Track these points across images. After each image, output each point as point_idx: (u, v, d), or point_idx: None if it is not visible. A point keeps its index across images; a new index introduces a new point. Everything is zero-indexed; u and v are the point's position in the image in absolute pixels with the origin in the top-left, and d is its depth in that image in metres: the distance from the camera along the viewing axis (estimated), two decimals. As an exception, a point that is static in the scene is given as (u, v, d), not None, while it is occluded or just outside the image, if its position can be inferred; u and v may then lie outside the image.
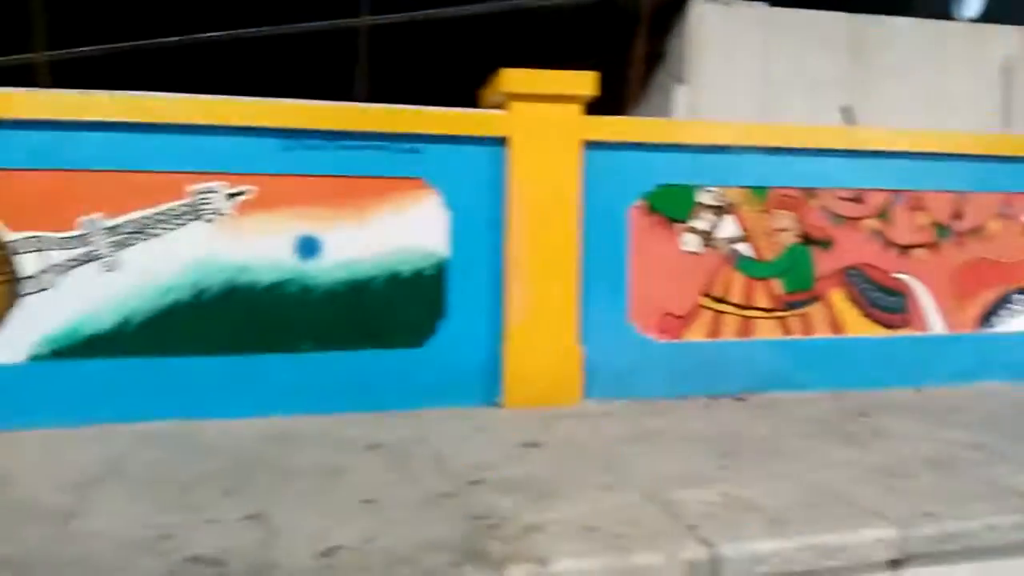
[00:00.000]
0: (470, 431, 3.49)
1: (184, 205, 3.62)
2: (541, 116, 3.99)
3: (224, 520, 2.37)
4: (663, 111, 6.19)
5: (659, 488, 2.70)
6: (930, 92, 6.75)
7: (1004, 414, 3.88)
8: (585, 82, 4.00)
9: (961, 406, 4.07)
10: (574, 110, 4.06)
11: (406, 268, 3.90)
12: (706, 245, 4.34)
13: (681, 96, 5.97)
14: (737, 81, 6.17)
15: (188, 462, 2.96)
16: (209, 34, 5.46)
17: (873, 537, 2.33)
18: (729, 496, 2.62)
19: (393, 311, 3.88)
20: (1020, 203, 4.78)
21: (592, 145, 4.12)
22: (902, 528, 2.38)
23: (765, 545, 2.22)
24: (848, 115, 5.05)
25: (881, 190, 4.57)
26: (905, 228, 4.61)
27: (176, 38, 5.51)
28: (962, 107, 6.77)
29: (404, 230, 3.89)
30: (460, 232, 3.96)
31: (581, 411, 3.97)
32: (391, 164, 3.83)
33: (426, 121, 3.84)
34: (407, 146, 3.82)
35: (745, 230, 4.39)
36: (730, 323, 4.38)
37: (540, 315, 4.03)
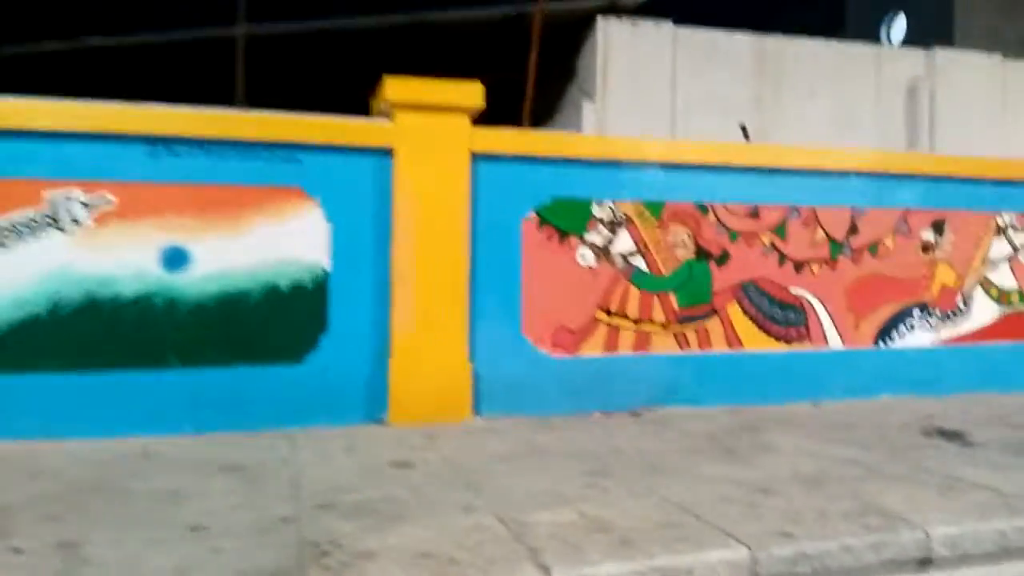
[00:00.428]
0: (341, 451, 3.34)
1: (40, 214, 3.42)
2: (427, 126, 3.89)
3: (30, 549, 2.18)
4: (576, 126, 6.17)
5: (517, 509, 2.59)
6: (838, 111, 6.88)
7: (892, 429, 3.88)
8: (472, 93, 3.92)
9: (854, 421, 4.07)
10: (462, 121, 3.97)
11: (284, 281, 3.75)
12: (602, 259, 4.29)
13: (589, 112, 5.95)
14: (645, 98, 6.18)
15: (17, 485, 2.75)
16: (86, 40, 5.25)
17: (721, 559, 2.25)
18: (586, 516, 2.52)
19: (269, 325, 3.72)
20: (916, 220, 4.84)
21: (482, 157, 4.04)
22: (754, 549, 2.31)
23: (603, 569, 2.12)
24: (744, 131, 5.08)
25: (777, 205, 4.58)
26: (801, 244, 4.63)
27: (53, 43, 5.29)
28: (869, 126, 6.91)
29: (282, 241, 3.74)
30: (342, 244, 3.82)
31: (468, 428, 3.86)
32: (267, 173, 3.69)
33: (304, 129, 3.71)
34: (284, 155, 3.68)
35: (641, 244, 4.35)
36: (626, 337, 4.32)
37: (427, 330, 3.91)
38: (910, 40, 7.83)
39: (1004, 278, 5.05)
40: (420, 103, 3.86)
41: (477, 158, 4.02)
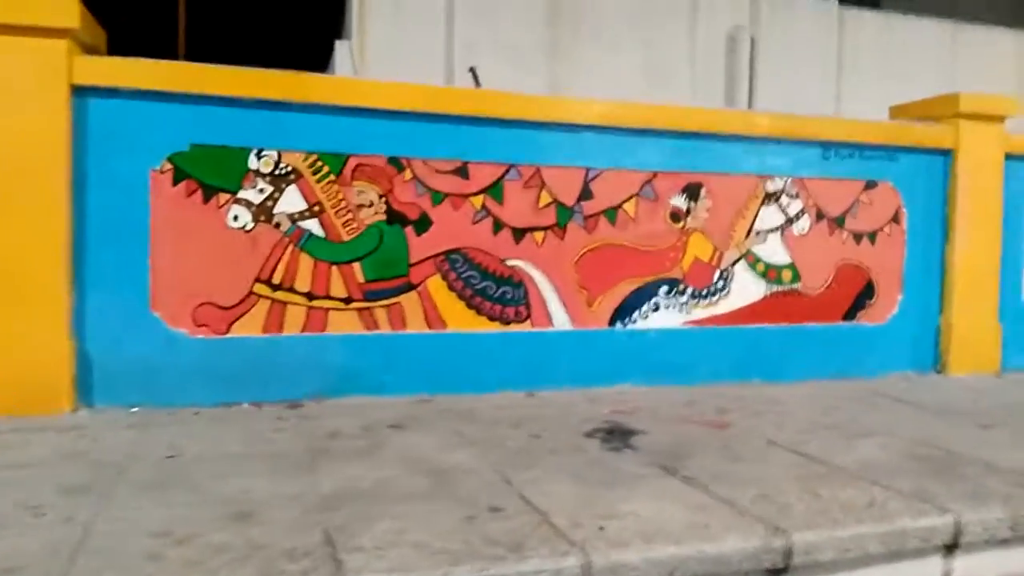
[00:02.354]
0: None
1: None
2: (9, 51, 3.15)
3: None
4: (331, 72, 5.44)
5: None
6: (650, 63, 6.23)
7: (562, 426, 3.28)
8: (66, 9, 3.18)
9: (539, 415, 3.48)
10: (59, 46, 3.23)
11: None
12: (261, 221, 3.60)
13: (343, 55, 5.23)
14: (414, 40, 5.46)
15: None
16: None
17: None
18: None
19: None
20: (665, 183, 4.24)
21: (91, 92, 3.31)
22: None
23: None
24: (475, 76, 4.41)
25: (492, 163, 3.93)
26: (522, 208, 4.00)
27: None
28: (685, 80, 6.29)
29: None
30: None
31: (58, 424, 3.17)
32: None
33: None
34: None
35: (314, 204, 3.67)
36: (296, 315, 3.66)
37: (10, 303, 3.20)
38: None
39: (773, 252, 4.49)
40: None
41: (83, 93, 3.29)
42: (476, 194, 3.91)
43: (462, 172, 3.88)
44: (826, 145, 4.53)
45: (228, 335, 3.57)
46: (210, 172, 3.51)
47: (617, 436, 3.10)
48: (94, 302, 3.36)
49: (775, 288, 4.50)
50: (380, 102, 3.71)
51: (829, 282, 4.61)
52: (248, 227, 3.58)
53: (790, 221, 4.52)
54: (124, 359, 3.41)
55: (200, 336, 3.52)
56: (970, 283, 4.82)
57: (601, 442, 3.01)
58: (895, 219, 4.73)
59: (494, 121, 3.90)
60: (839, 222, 4.61)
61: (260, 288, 3.60)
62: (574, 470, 2.65)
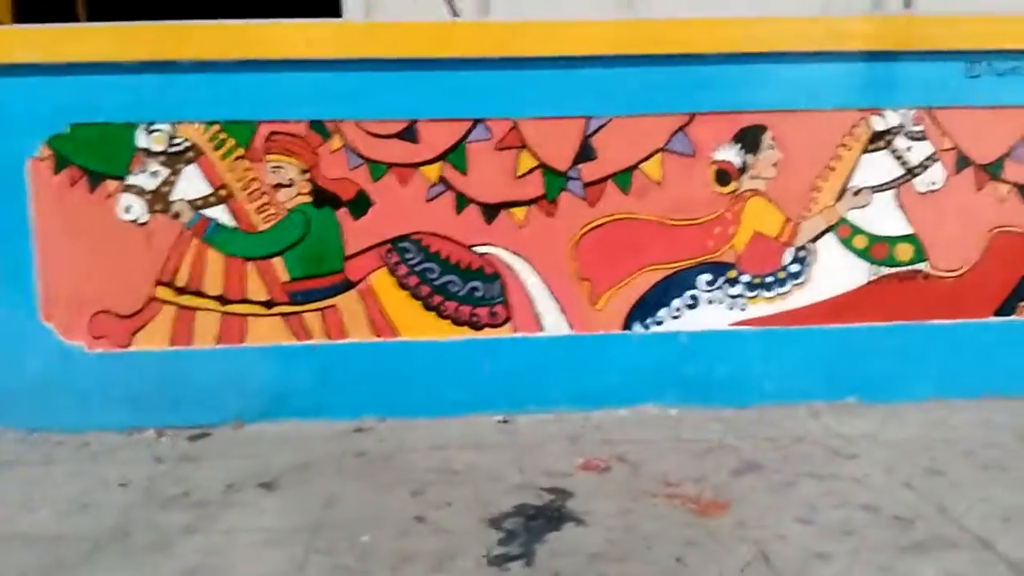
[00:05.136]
0: None
1: None
2: None
3: None
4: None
5: None
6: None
7: (474, 496, 2.38)
8: None
9: (474, 467, 2.58)
10: None
11: None
12: (157, 211, 2.96)
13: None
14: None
15: None
16: None
17: None
18: None
19: None
20: (708, 129, 3.02)
21: (-59, 70, 2.80)
22: None
23: None
24: (451, 5, 3.30)
25: (451, 120, 2.97)
26: (495, 177, 3.00)
27: None
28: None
29: None
30: None
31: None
32: None
33: None
34: None
35: (219, 187, 2.96)
36: (207, 324, 3.01)
37: None
38: None
39: (883, 219, 3.11)
40: None
41: (-68, 73, 2.80)
42: (430, 162, 2.98)
43: (409, 134, 2.95)
44: (973, 55, 3.02)
45: (130, 348, 3.01)
46: (94, 156, 2.91)
47: (534, 528, 2.13)
48: (-26, 314, 2.94)
49: (885, 271, 3.14)
50: (294, 51, 2.87)
51: (976, 260, 3.15)
52: (142, 219, 2.95)
53: (911, 173, 3.09)
54: (16, 377, 2.98)
55: (99, 350, 3.00)
56: None
57: (500, 541, 2.07)
58: (1095, 162, 3.12)
59: (450, 62, 2.91)
60: (993, 171, 3.10)
61: (163, 292, 2.99)
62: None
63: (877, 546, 2.01)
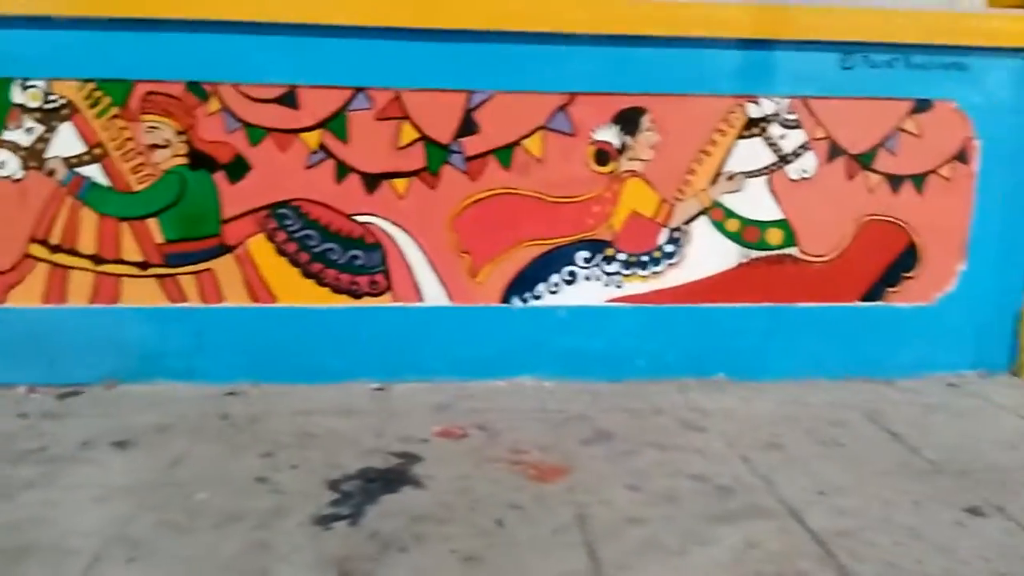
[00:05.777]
0: None
1: None
2: None
3: None
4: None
5: None
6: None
7: (327, 457, 2.43)
8: None
9: (333, 431, 2.64)
10: None
11: None
12: (32, 168, 2.92)
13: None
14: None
15: None
16: None
17: None
18: None
19: None
20: (588, 109, 3.08)
21: None
22: None
23: None
24: None
25: (331, 88, 2.98)
26: (376, 147, 3.03)
27: None
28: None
29: None
30: None
31: None
32: None
33: None
34: None
35: (94, 145, 2.93)
36: (81, 283, 3.00)
37: None
38: None
39: (755, 204, 3.21)
40: None
41: None
42: (310, 129, 2.99)
43: (289, 100, 2.96)
44: (848, 47, 3.11)
45: (3, 305, 2.99)
46: (-38, 108, 2.87)
47: (372, 490, 2.20)
48: None
49: (755, 254, 3.25)
50: (172, 10, 2.85)
51: (845, 247, 3.27)
52: (17, 176, 2.92)
53: (784, 160, 3.20)
54: None
55: (-31, 307, 2.98)
56: (1081, 250, 3.27)
57: (333, 502, 2.13)
58: (960, 156, 3.25)
59: (331, 29, 2.91)
60: (864, 161, 3.22)
61: (36, 250, 2.97)
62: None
63: (692, 513, 2.11)
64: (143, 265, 3.01)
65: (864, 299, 3.32)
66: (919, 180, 3.25)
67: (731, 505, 2.18)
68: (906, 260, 3.31)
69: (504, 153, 3.07)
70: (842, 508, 2.18)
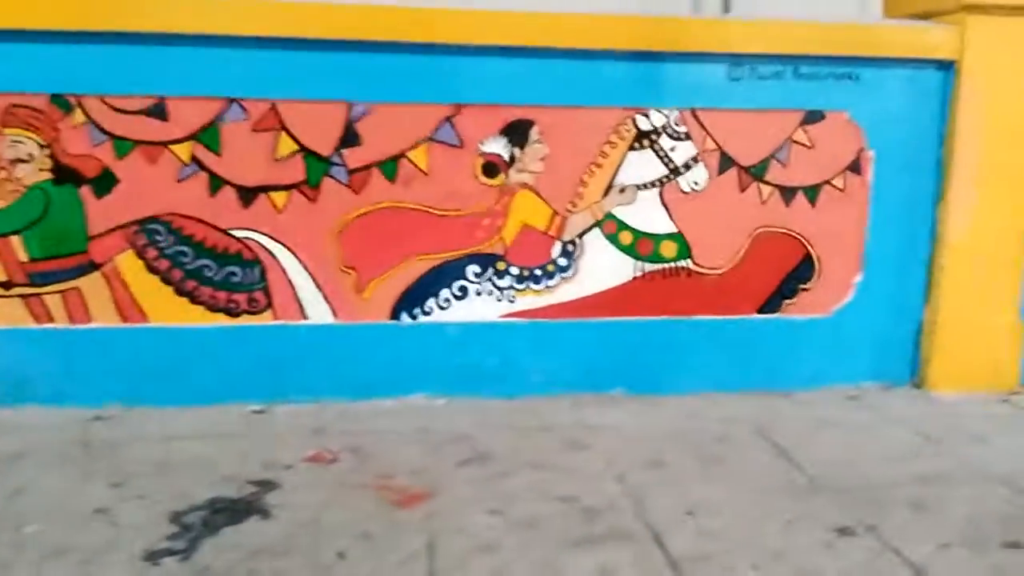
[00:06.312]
0: None
1: None
2: None
3: None
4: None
5: None
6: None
7: (177, 488, 2.31)
8: None
9: (197, 458, 2.51)
10: None
11: None
12: None
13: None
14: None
15: None
16: None
17: None
18: None
19: None
20: (476, 121, 3.01)
21: None
22: None
23: None
24: None
25: (203, 98, 2.86)
26: (253, 160, 2.92)
27: None
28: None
29: None
30: None
31: None
32: None
33: None
34: None
35: (-52, 159, 2.78)
36: (-62, 304, 2.84)
37: None
38: None
39: (648, 216, 3.16)
40: None
41: None
42: (180, 141, 2.87)
43: (157, 111, 2.83)
44: (736, 58, 3.09)
45: None
46: None
47: (215, 522, 2.08)
48: None
49: (649, 267, 3.20)
50: (32, 21, 2.71)
51: (739, 259, 3.24)
52: None
53: (675, 172, 3.15)
54: None
55: None
56: (975, 260, 3.28)
57: (170, 536, 2.00)
58: (854, 167, 3.24)
59: (199, 39, 2.80)
60: (756, 173, 3.19)
61: None
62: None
63: (550, 539, 2.03)
64: (6, 285, 2.85)
65: (761, 311, 3.28)
66: (812, 191, 3.23)
67: (594, 529, 2.10)
68: (802, 271, 3.28)
69: (389, 166, 2.98)
70: (708, 529, 2.12)
